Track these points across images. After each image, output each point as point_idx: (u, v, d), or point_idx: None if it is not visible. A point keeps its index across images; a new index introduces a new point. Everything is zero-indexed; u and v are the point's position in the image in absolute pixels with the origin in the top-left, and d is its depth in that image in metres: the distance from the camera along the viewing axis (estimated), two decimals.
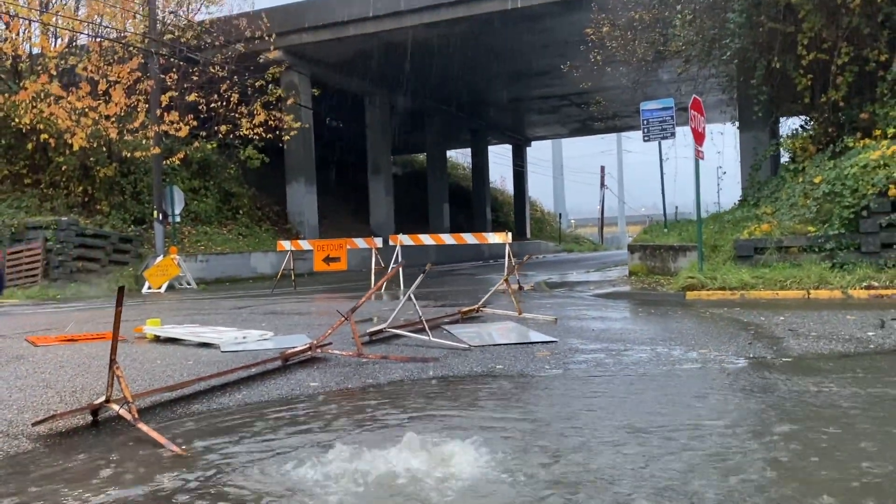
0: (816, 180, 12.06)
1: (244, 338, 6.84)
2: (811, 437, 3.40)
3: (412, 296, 6.61)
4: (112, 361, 3.81)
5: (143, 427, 3.75)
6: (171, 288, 17.23)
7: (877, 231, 10.74)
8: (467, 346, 6.26)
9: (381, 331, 6.88)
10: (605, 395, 4.49)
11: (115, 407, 3.94)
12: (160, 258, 17.75)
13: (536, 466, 3.08)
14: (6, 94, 18.83)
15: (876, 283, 9.97)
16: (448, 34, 23.23)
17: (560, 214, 55.96)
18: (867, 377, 4.71)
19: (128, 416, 3.87)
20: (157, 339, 7.17)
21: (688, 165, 12.18)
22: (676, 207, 41.42)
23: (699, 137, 11.64)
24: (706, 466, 3.02)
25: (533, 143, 47.44)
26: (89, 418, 4.17)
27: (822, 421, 3.66)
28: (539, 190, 64.55)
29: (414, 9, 22.24)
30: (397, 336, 6.87)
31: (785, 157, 16.01)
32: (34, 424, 3.97)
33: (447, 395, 4.64)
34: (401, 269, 13.31)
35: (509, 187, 47.79)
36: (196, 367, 5.73)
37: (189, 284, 17.81)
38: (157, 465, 3.36)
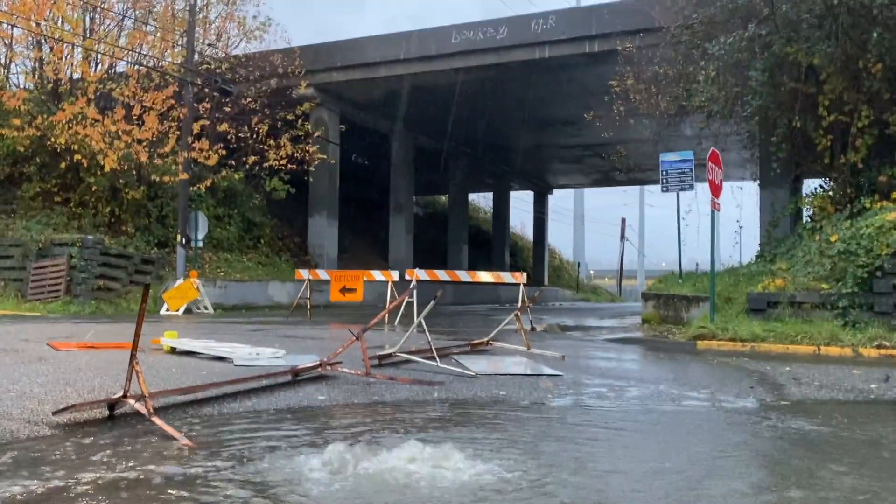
0: (832, 239, 12.15)
1: (257, 354, 7.02)
2: (777, 464, 3.51)
3: (423, 322, 6.78)
4: (132, 356, 4.01)
5: (157, 420, 3.93)
6: (188, 311, 17.47)
7: (890, 291, 10.78)
8: (473, 373, 6.40)
9: (390, 355, 7.04)
10: (601, 421, 4.61)
11: (132, 401, 4.13)
12: (180, 281, 18.06)
13: (524, 474, 3.21)
14: (44, 115, 19.46)
15: (887, 343, 9.97)
16: (476, 79, 23.72)
17: (579, 263, 55.94)
18: (856, 421, 4.80)
19: (143, 410, 4.05)
20: (174, 351, 7.38)
21: (709, 222, 12.32)
22: (697, 264, 41.31)
23: (716, 190, 11.80)
24: (676, 484, 3.14)
25: (555, 191, 47.75)
26: (106, 412, 4.36)
27: (795, 452, 3.77)
28: (559, 238, 64.74)
29: (445, 54, 22.77)
30: (406, 361, 7.02)
31: (806, 216, 16.13)
32: (54, 413, 4.17)
33: (449, 414, 4.79)
34: (415, 305, 13.53)
35: (529, 234, 47.99)
36: (210, 377, 5.90)
37: (206, 309, 18.06)
38: (166, 455, 3.53)
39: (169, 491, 2.96)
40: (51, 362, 6.36)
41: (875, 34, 12.34)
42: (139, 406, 4.08)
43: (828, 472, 3.43)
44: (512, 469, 3.31)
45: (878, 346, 9.88)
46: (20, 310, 16.09)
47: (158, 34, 20.90)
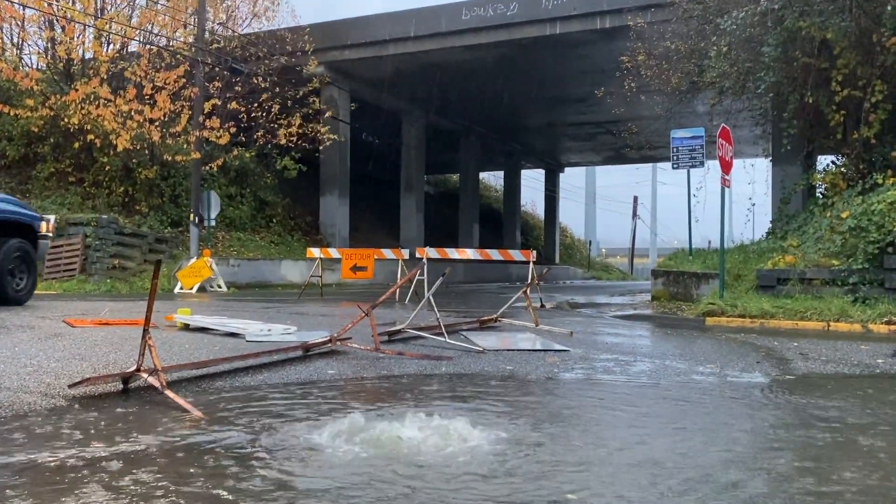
0: (843, 215, 12.10)
1: (269, 330, 7.13)
2: (772, 434, 3.56)
3: (431, 299, 6.85)
4: (145, 331, 4.10)
5: (170, 393, 4.03)
6: (201, 290, 17.65)
7: None
8: (481, 348, 6.48)
9: (399, 331, 7.12)
10: (604, 393, 4.69)
11: (145, 375, 4.23)
12: (193, 260, 18.22)
13: (530, 445, 3.29)
14: (57, 95, 19.56)
15: None
16: (487, 57, 23.63)
17: (590, 242, 55.88)
18: (858, 394, 4.86)
19: (156, 384, 4.15)
20: (187, 328, 7.50)
21: (719, 199, 12.28)
22: (710, 241, 41.16)
23: (726, 166, 11.77)
24: (675, 453, 3.21)
25: (567, 169, 47.58)
26: (120, 386, 4.47)
27: (793, 423, 3.82)
28: (570, 216, 64.48)
29: (455, 31, 22.67)
30: (415, 337, 7.11)
31: (818, 192, 16.04)
32: (70, 387, 4.27)
33: (456, 388, 4.87)
34: (425, 282, 13.61)
35: (540, 212, 47.92)
36: (222, 352, 6.01)
37: (220, 287, 18.22)
38: (179, 427, 3.63)
39: (181, 461, 3.06)
40: (66, 338, 6.49)
41: (889, 7, 12.20)
42: (152, 380, 4.18)
43: (820, 441, 3.49)
44: (518, 440, 3.38)
45: (888, 322, 9.88)
46: (36, 288, 16.29)
47: (169, 14, 20.90)
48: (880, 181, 12.72)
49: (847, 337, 8.88)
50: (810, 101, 14.05)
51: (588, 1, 20.54)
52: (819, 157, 17.41)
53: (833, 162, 15.83)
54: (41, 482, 2.73)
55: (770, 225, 16.83)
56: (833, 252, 11.70)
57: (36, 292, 15.38)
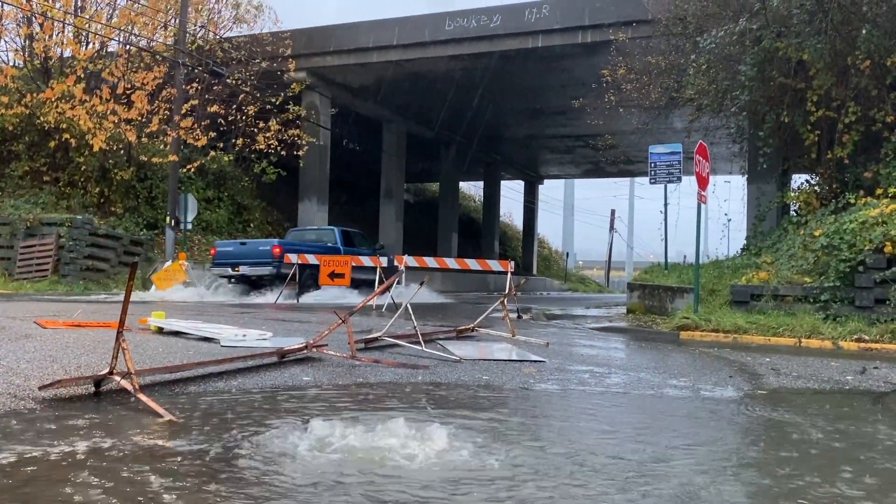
0: (816, 233, 12.28)
1: (244, 335, 7.08)
2: (730, 446, 3.61)
3: (409, 307, 6.85)
4: (119, 333, 4.06)
5: (143, 396, 3.99)
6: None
7: (871, 286, 10.92)
8: (457, 358, 6.48)
9: (376, 339, 7.11)
10: (579, 404, 4.71)
11: (118, 378, 4.18)
12: (169, 263, 18.05)
13: (504, 454, 3.30)
14: (33, 93, 19.35)
15: (867, 337, 10.12)
16: (469, 67, 23.73)
17: (567, 254, 56.16)
18: (825, 409, 4.94)
19: (129, 387, 4.11)
20: (161, 331, 7.42)
21: (701, 216, 12.40)
22: (685, 256, 41.50)
23: (703, 182, 11.90)
24: (647, 462, 3.24)
25: (546, 181, 47.84)
26: (92, 389, 4.42)
27: (754, 435, 3.87)
28: (548, 228, 64.94)
29: (438, 41, 22.74)
30: (392, 345, 7.10)
31: (792, 211, 16.26)
32: (40, 388, 4.22)
33: (432, 396, 4.87)
34: (403, 290, 13.60)
35: (519, 223, 48.09)
36: (196, 356, 5.95)
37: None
38: (151, 430, 3.59)
39: (150, 465, 3.02)
40: (37, 339, 6.39)
41: (864, 30, 12.44)
42: (125, 383, 4.14)
43: (780, 452, 3.54)
44: (492, 449, 3.39)
45: (858, 340, 10.03)
46: (7, 288, 16.08)
47: (149, 14, 20.77)
48: (853, 201, 12.93)
49: (818, 353, 8.99)
50: (786, 120, 14.27)
51: (571, 15, 20.73)
52: (794, 175, 17.66)
53: (807, 181, 16.07)
54: (2, 484, 2.69)
55: (745, 241, 17.03)
56: (806, 269, 11.86)
57: (7, 292, 15.19)
